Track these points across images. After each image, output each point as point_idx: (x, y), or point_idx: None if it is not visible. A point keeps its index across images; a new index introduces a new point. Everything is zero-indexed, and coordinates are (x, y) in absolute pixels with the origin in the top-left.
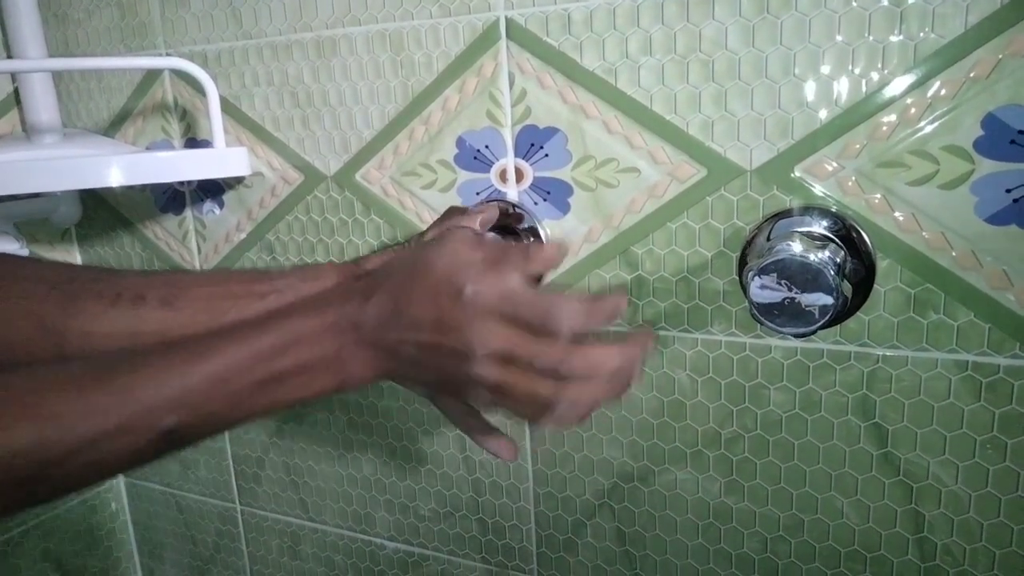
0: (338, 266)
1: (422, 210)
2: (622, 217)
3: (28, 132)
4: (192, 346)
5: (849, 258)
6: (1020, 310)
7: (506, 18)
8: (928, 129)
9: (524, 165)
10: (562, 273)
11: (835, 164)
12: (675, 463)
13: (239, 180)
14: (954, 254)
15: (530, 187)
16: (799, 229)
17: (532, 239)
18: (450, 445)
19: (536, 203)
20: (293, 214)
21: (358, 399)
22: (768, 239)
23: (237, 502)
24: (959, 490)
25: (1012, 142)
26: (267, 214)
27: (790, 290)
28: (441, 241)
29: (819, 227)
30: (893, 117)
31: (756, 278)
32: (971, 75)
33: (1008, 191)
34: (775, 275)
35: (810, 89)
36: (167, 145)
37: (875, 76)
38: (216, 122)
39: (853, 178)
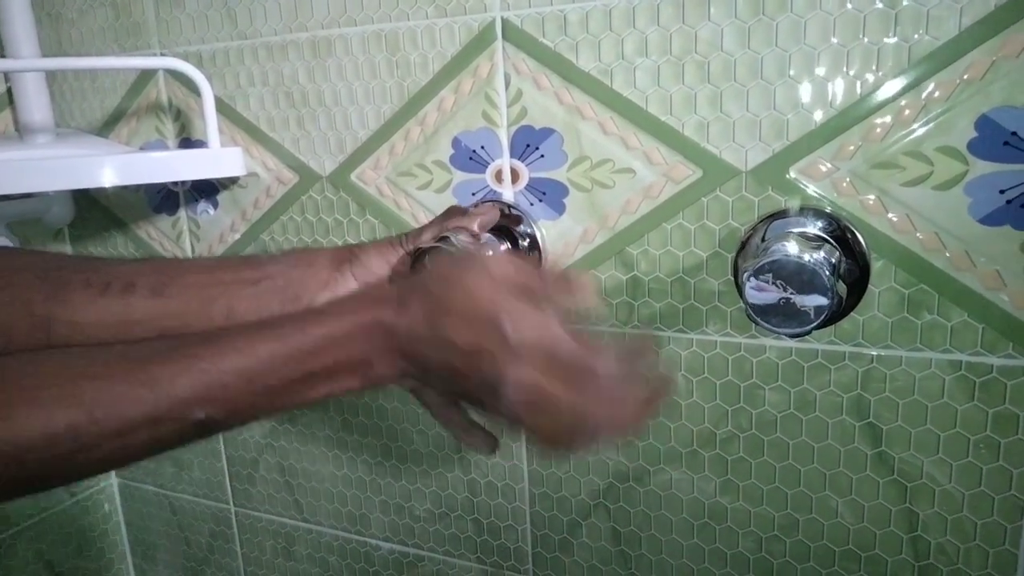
0: (331, 251)
1: (417, 211)
2: (617, 218)
3: (21, 132)
4: (226, 340)
5: (844, 259)
6: (1013, 310)
7: (502, 19)
8: (922, 130)
9: (520, 166)
10: None
11: (830, 165)
12: (670, 463)
13: (233, 180)
14: (948, 255)
15: (526, 188)
16: (794, 230)
17: (529, 240)
18: (445, 445)
19: (532, 204)
20: (288, 214)
21: (352, 399)
22: (763, 240)
23: (231, 503)
24: (953, 489)
25: (1006, 143)
26: (262, 214)
27: (785, 291)
28: (481, 264)
29: (814, 228)
30: (888, 118)
31: (752, 279)
32: (965, 77)
33: (1002, 192)
34: (770, 276)
35: (805, 90)
36: (161, 145)
37: (870, 78)
38: (211, 122)
39: (848, 179)
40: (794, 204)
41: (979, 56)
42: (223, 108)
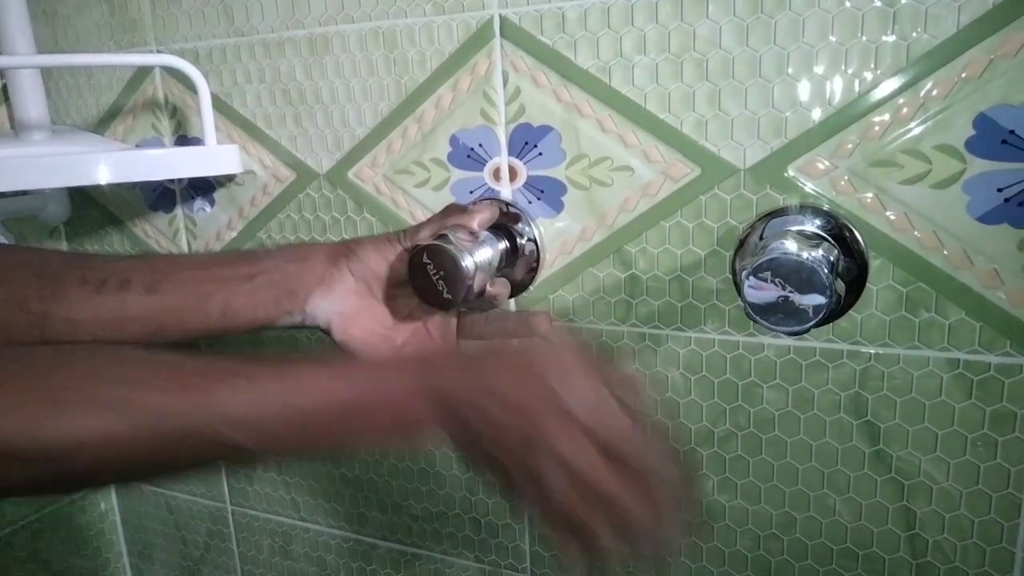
0: (327, 246)
1: (415, 208)
2: (616, 216)
3: (16, 129)
4: (277, 373)
5: (842, 257)
6: (1011, 308)
7: (500, 16)
8: (920, 129)
9: (518, 164)
10: (556, 272)
11: (828, 163)
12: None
13: (230, 178)
14: (946, 253)
15: (524, 186)
16: (792, 228)
17: (527, 240)
18: (442, 444)
19: (530, 202)
20: (285, 212)
21: None
22: (761, 238)
23: (228, 502)
24: (950, 487)
25: (1003, 142)
26: (258, 212)
27: (784, 289)
28: (553, 352)
29: (812, 226)
30: (886, 117)
31: (750, 277)
32: (963, 75)
33: (1000, 190)
34: (769, 274)
35: (803, 89)
36: (157, 143)
37: (868, 76)
38: (207, 119)
39: (846, 177)
40: (794, 202)
41: (977, 54)
42: (220, 105)
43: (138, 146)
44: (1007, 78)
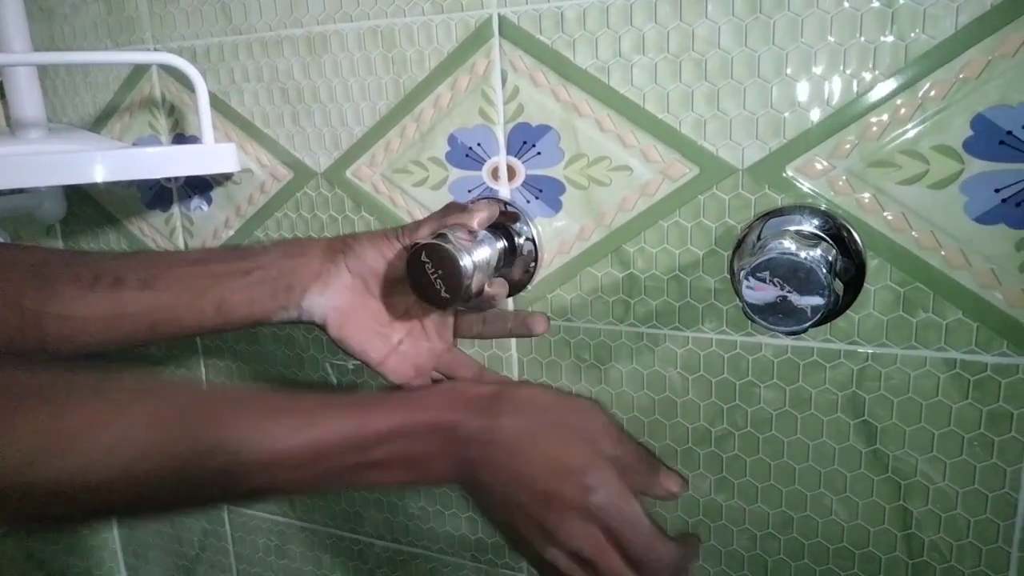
0: (324, 241)
1: (413, 207)
2: (614, 215)
3: (12, 127)
4: (294, 411)
5: (840, 257)
6: (1008, 309)
7: (499, 15)
8: (918, 129)
9: (516, 163)
10: (554, 271)
11: (826, 163)
12: (665, 461)
13: (227, 177)
14: (943, 253)
15: (522, 185)
16: (790, 228)
17: (525, 239)
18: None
19: (528, 201)
20: (282, 211)
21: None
22: (759, 238)
23: None
24: (947, 487)
25: (1001, 142)
26: (256, 211)
27: (782, 289)
28: (591, 411)
29: (810, 226)
30: (884, 117)
31: (749, 277)
32: (961, 76)
33: (997, 191)
34: (768, 273)
35: (802, 89)
36: (154, 141)
37: (866, 76)
38: (205, 118)
39: (844, 177)
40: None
41: (975, 55)
42: (217, 104)
43: (135, 144)
44: (1005, 79)
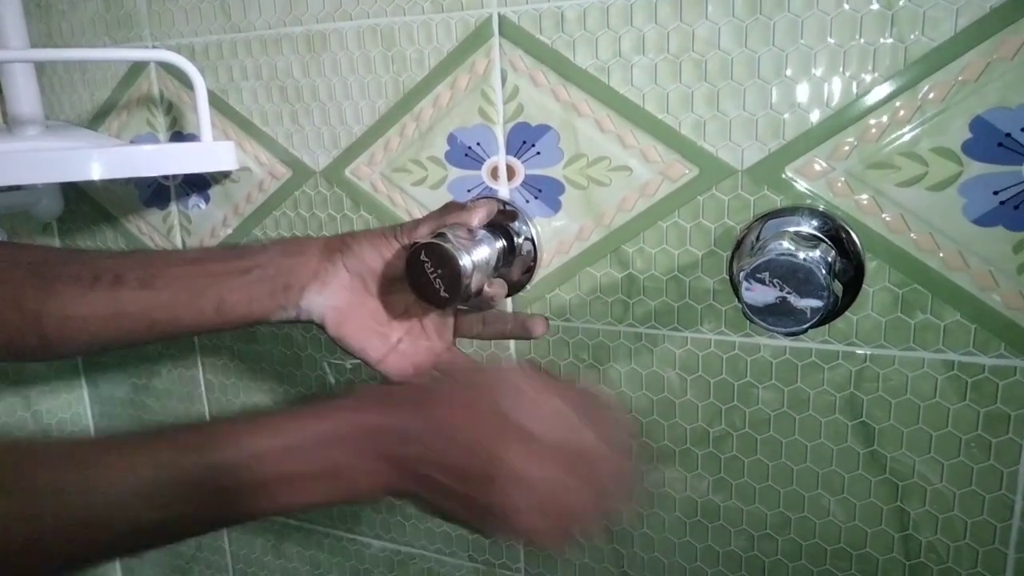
0: (323, 240)
1: (412, 206)
2: (613, 216)
3: (9, 124)
4: (191, 436)
5: (839, 258)
6: (1006, 311)
7: (499, 15)
8: (917, 131)
9: (516, 163)
10: (553, 271)
11: (825, 165)
12: (663, 461)
13: (226, 175)
14: (942, 255)
15: (521, 185)
16: (789, 229)
17: (524, 239)
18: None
19: (527, 201)
20: (281, 209)
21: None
22: (758, 239)
23: None
24: (944, 488)
25: (1000, 145)
26: (254, 209)
27: (782, 290)
28: (499, 381)
29: (809, 227)
30: (883, 119)
31: (748, 278)
32: (960, 78)
33: (995, 193)
34: (767, 274)
35: (802, 90)
36: (152, 139)
37: (866, 78)
38: (203, 116)
39: (843, 179)
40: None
41: (974, 58)
42: (216, 101)
43: (132, 142)
44: (1004, 81)
